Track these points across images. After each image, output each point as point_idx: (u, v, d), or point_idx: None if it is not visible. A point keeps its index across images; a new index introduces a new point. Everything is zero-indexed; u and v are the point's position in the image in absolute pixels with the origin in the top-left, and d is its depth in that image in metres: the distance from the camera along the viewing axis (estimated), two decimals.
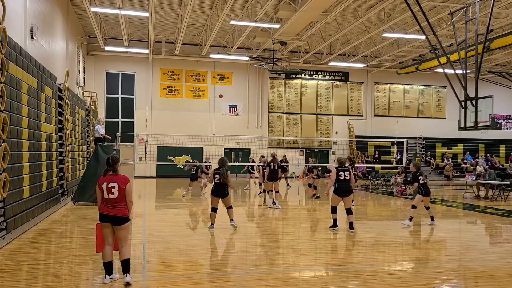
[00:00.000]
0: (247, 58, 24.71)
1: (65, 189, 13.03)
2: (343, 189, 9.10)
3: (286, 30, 19.57)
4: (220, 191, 9.07)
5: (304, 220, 11.55)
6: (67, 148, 13.16)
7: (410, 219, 10.09)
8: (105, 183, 5.53)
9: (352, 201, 13.38)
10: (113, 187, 5.49)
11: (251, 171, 19.36)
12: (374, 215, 12.41)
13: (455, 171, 27.57)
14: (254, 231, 9.67)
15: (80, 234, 9.12)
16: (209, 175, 12.61)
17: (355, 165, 11.95)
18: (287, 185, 20.77)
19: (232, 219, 9.35)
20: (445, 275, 6.23)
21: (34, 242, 7.95)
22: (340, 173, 9.12)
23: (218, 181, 9.04)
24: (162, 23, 21.84)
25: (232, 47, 23.75)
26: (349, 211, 9.14)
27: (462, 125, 15.29)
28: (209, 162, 16.61)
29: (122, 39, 22.19)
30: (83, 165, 16.72)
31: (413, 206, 10.18)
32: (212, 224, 9.15)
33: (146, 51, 23.92)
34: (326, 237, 8.92)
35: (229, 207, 9.30)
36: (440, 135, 29.94)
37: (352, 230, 9.02)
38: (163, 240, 8.29)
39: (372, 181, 22.30)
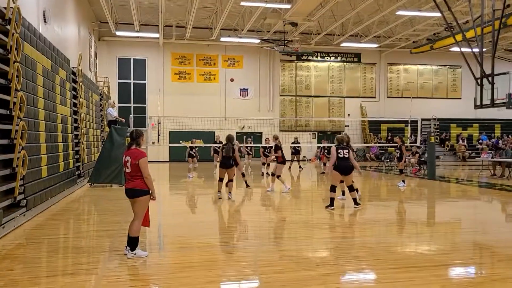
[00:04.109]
0: (258, 41, 24.55)
1: (82, 171, 13.26)
2: (343, 167, 9.04)
3: (297, 10, 19.34)
4: (226, 162, 10.30)
5: (317, 199, 11.57)
6: (82, 131, 13.34)
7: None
8: (124, 156, 5.56)
9: (404, 181, 13.13)
10: (127, 161, 5.51)
11: (249, 152, 19.70)
12: (388, 195, 12.39)
13: (470, 151, 27.25)
14: (265, 209, 9.76)
15: (97, 212, 9.32)
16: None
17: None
18: (300, 167, 20.84)
19: (230, 192, 10.32)
20: (461, 253, 6.04)
21: (53, 219, 8.14)
22: (339, 151, 9.09)
23: (225, 155, 10.29)
24: (172, 6, 21.76)
25: (242, 30, 23.59)
26: (351, 188, 9.18)
27: (478, 103, 15.06)
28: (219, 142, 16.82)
29: (133, 24, 22.21)
30: (98, 148, 16.94)
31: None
32: (219, 191, 10.54)
33: (157, 35, 23.92)
34: (338, 213, 8.94)
35: (230, 180, 10.35)
36: (455, 115, 29.52)
37: (356, 206, 9.10)
38: (178, 217, 8.43)
39: (385, 163, 22.18)
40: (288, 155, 21.43)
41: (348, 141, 10.15)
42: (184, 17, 23.47)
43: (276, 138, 12.45)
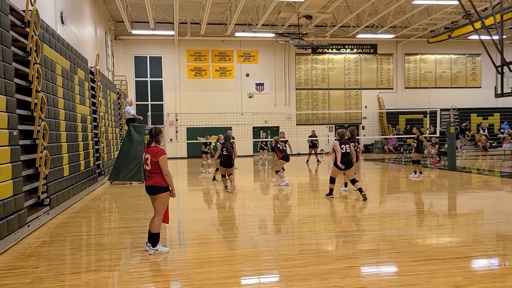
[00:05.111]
0: (273, 35, 24.43)
1: (102, 169, 13.48)
2: (344, 162, 9.34)
3: (311, 3, 19.18)
4: (227, 162, 10.69)
5: (335, 192, 11.51)
6: (101, 129, 13.55)
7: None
8: (144, 154, 5.64)
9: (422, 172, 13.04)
10: (147, 158, 5.58)
11: (264, 147, 20.13)
12: (408, 187, 12.25)
13: (491, 141, 26.68)
14: (283, 203, 9.76)
15: (117, 210, 9.47)
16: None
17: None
18: (317, 160, 20.77)
19: (226, 186, 10.98)
20: (483, 244, 5.94)
21: (76, 217, 8.33)
22: (342, 146, 9.41)
23: (226, 154, 10.60)
24: (186, 3, 21.83)
25: (257, 25, 23.51)
26: (353, 181, 9.45)
27: (499, 92, 14.69)
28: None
29: (148, 22, 22.38)
30: (117, 146, 17.19)
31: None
32: (226, 186, 11.03)
33: (172, 33, 24.05)
34: (357, 206, 8.89)
35: (229, 175, 10.84)
36: (475, 105, 28.92)
37: (363, 193, 9.26)
38: (197, 213, 8.50)
39: (404, 154, 21.91)
40: (305, 148, 21.44)
41: (355, 134, 10.46)
42: (198, 13, 23.53)
43: (276, 141, 12.43)
